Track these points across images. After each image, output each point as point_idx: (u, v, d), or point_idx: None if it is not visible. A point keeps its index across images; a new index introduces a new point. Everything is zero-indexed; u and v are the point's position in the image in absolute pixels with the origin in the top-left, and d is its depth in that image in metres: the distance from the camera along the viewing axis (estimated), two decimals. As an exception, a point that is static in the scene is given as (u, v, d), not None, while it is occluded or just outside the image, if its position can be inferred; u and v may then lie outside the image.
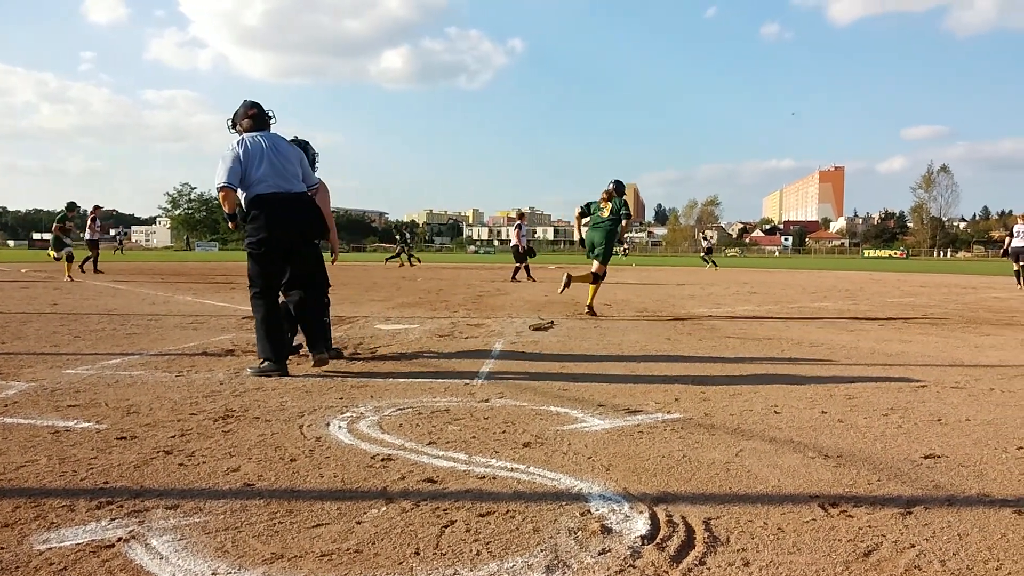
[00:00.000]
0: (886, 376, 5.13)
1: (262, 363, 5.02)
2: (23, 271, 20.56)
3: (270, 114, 5.46)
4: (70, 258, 16.59)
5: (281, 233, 5.14)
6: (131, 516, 2.37)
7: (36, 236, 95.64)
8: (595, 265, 9.65)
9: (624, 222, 9.63)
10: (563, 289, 9.82)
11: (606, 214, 9.60)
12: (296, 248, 5.23)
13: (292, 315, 5.72)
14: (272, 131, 5.40)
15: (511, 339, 7.00)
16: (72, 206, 17.11)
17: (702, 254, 34.04)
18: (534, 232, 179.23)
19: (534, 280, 18.14)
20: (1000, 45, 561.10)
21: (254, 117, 5.34)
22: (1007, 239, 17.57)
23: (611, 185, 9.67)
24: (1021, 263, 16.94)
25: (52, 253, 17.04)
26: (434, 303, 11.25)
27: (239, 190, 5.12)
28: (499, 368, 5.34)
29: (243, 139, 5.19)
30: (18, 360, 5.40)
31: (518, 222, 18.79)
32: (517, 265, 18.68)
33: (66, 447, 3.15)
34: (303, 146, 5.99)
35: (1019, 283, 17.15)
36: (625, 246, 52.67)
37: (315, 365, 5.15)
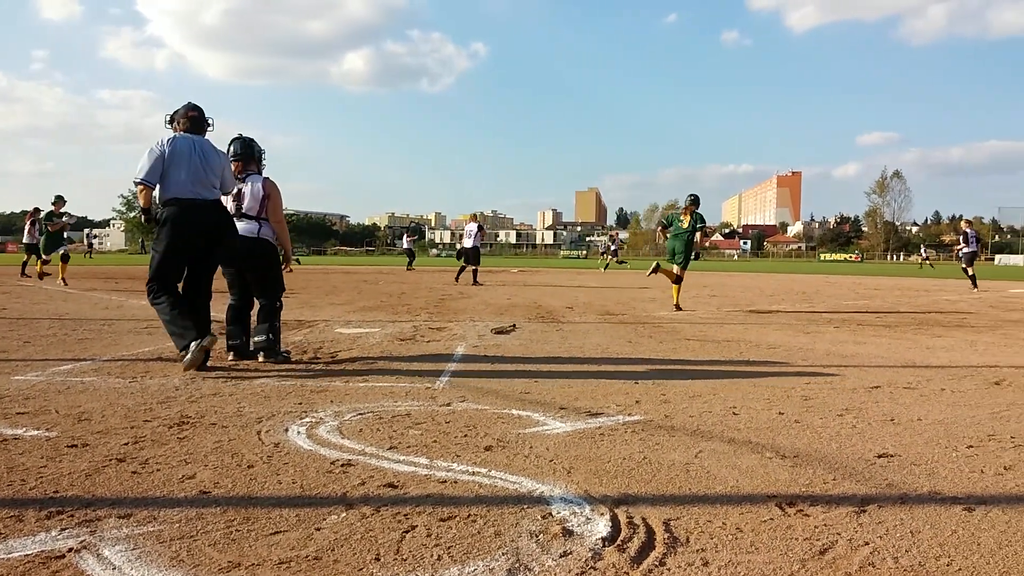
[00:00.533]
0: (841, 377, 5.23)
1: (183, 355, 5.05)
2: (-29, 275, 19.99)
3: (210, 121, 5.55)
4: (65, 258, 15.93)
5: (189, 238, 5.25)
6: (82, 526, 2.31)
7: None
8: (676, 268, 11.25)
9: (699, 233, 11.34)
10: (651, 273, 11.54)
11: (686, 225, 11.29)
12: (201, 255, 5.35)
13: (241, 319, 5.69)
14: (207, 137, 5.50)
15: (473, 343, 6.99)
16: (60, 199, 16.16)
17: (608, 257, 32.06)
18: (496, 236, 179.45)
19: (479, 284, 18.11)
20: (950, 54, 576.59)
21: (192, 120, 5.41)
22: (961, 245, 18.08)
23: (689, 199, 11.44)
24: (969, 268, 17.50)
25: (42, 257, 16.30)
26: (395, 307, 11.19)
27: (157, 187, 5.21)
28: (461, 372, 5.33)
29: (173, 138, 5.27)
30: (-36, 367, 5.24)
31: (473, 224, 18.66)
32: (469, 266, 18.53)
33: (14, 455, 3.06)
34: (248, 144, 5.97)
35: (975, 286, 17.64)
36: (618, 253, 53.09)
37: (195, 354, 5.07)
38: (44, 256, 16.13)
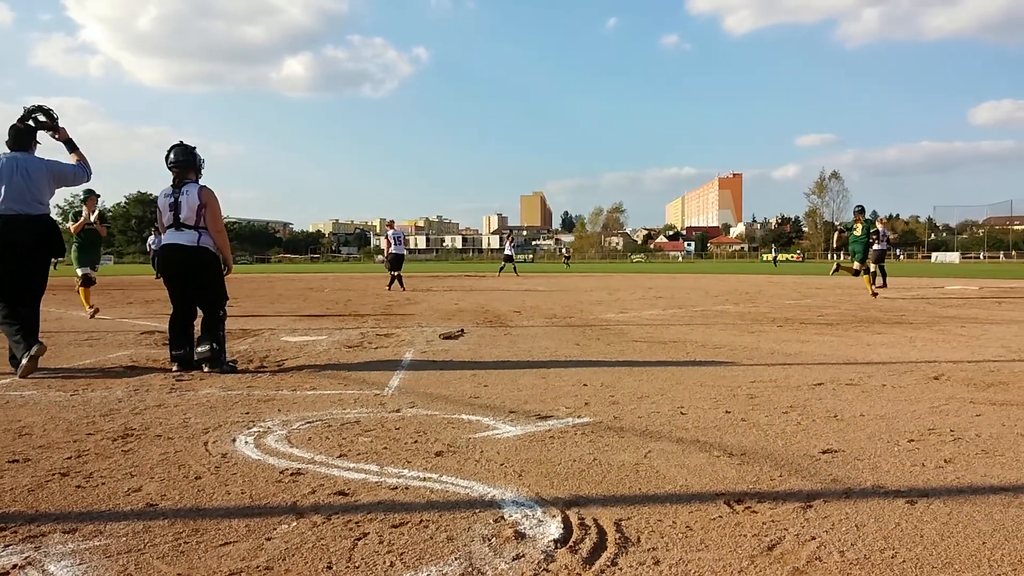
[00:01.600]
0: (785, 375, 5.35)
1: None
2: None
3: (38, 139, 5.79)
4: (89, 282, 10.87)
5: (8, 252, 5.43)
6: (26, 542, 2.25)
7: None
8: (856, 265, 14.82)
9: (873, 236, 14.99)
10: (833, 272, 15.81)
11: (859, 232, 14.80)
12: (20, 267, 5.51)
13: (184, 329, 5.61)
14: (37, 152, 5.75)
15: (421, 348, 6.97)
16: (91, 193, 10.89)
17: (502, 264, 31.68)
18: (442, 241, 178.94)
19: (403, 289, 18.20)
20: (884, 57, 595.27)
21: (13, 137, 5.63)
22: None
23: (857, 209, 15.28)
24: (878, 265, 18.31)
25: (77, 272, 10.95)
26: (342, 314, 11.09)
27: None
28: (410, 378, 5.31)
29: None
30: None
31: (391, 231, 18.70)
32: (395, 274, 18.52)
33: (-51, 474, 2.96)
34: (188, 151, 5.88)
35: (874, 283, 18.30)
36: (567, 256, 54.13)
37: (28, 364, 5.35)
38: (82, 272, 10.93)
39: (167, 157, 5.83)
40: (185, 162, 5.81)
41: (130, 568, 2.08)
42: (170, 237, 5.75)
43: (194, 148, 5.94)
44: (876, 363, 5.98)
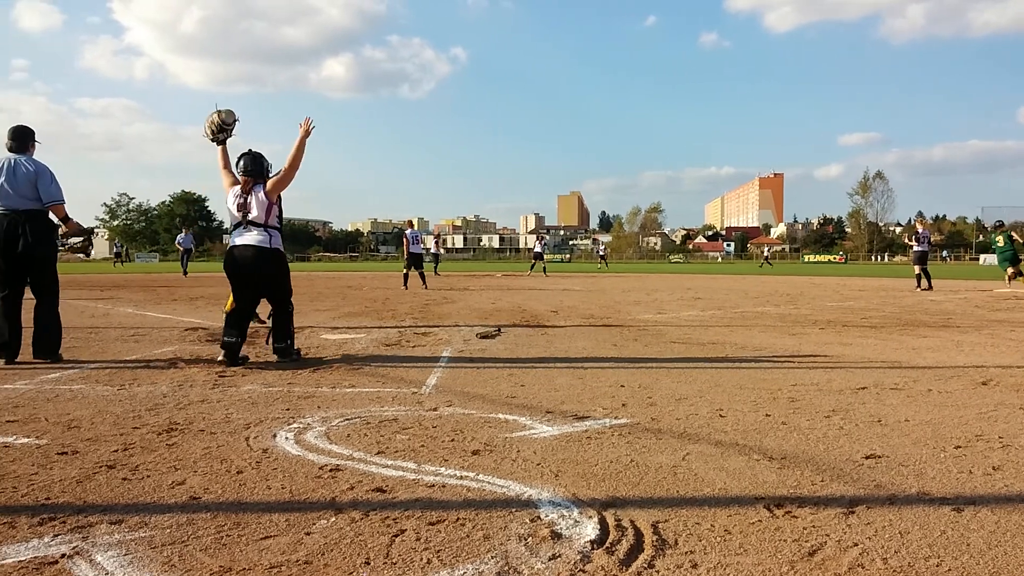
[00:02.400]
0: (827, 379, 5.27)
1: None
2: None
3: (37, 139, 6.17)
4: None
5: (2, 244, 5.77)
6: (75, 532, 2.31)
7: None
8: (1010, 271, 17.83)
9: (1013, 247, 17.72)
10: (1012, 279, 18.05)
11: (1001, 243, 17.84)
12: (19, 260, 5.82)
13: (240, 324, 5.74)
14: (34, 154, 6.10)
15: (459, 347, 7.00)
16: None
17: (533, 262, 31.87)
18: (479, 240, 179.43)
19: (425, 287, 18.31)
20: (930, 54, 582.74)
21: (14, 139, 6.02)
22: (912, 244, 18.68)
23: (997, 224, 18.37)
24: (922, 267, 18.02)
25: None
26: (381, 312, 11.18)
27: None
28: (447, 376, 5.34)
29: None
30: (-52, 375, 5.19)
31: (409, 231, 19.00)
32: (418, 271, 18.75)
33: (5, 463, 3.05)
34: (257, 159, 6.07)
35: (919, 286, 17.99)
36: (602, 255, 54.00)
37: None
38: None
39: (237, 163, 6.08)
40: (254, 170, 6.03)
41: (174, 559, 2.12)
42: (240, 237, 5.96)
43: (261, 155, 6.13)
44: (922, 367, 5.86)
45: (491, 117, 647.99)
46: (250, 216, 5.94)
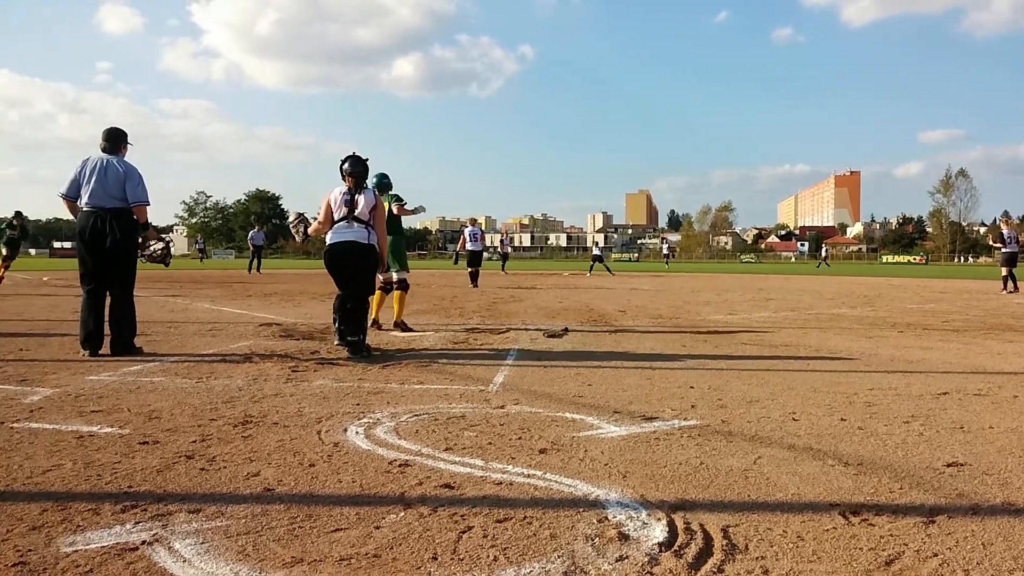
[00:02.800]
0: (906, 383, 5.09)
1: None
2: (45, 279, 20.79)
3: (130, 141, 6.46)
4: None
5: (89, 241, 6.02)
6: (154, 519, 2.40)
7: (56, 244, 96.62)
8: None
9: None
10: None
11: None
12: (104, 256, 6.06)
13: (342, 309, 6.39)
14: (126, 156, 6.35)
15: (526, 346, 7.01)
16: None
17: (592, 263, 31.64)
18: (546, 238, 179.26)
19: (474, 286, 18.18)
20: (1017, 47, 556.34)
21: (107, 140, 6.28)
22: (998, 245, 17.92)
23: None
24: (1009, 269, 17.24)
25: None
26: (448, 310, 11.28)
27: (78, 200, 6.10)
28: (514, 374, 5.35)
29: (89, 157, 6.20)
30: (42, 367, 5.46)
31: (471, 228, 19.17)
32: (475, 270, 18.83)
33: (90, 451, 3.19)
34: (363, 163, 6.63)
35: (1005, 288, 17.20)
36: (666, 254, 53.51)
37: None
38: None
39: (342, 166, 6.60)
40: (362, 172, 6.60)
41: (248, 549, 2.18)
42: (341, 233, 6.43)
43: (367, 160, 6.69)
44: (1007, 373, 5.61)
45: (558, 114, 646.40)
46: (356, 212, 6.43)
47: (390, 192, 8.24)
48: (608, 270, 31.39)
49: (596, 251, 32.74)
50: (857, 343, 7.43)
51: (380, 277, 7.95)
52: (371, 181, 7.50)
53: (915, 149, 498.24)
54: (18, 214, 16.67)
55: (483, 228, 19.26)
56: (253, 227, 33.36)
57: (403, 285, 8.47)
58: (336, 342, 6.55)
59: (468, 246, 19.07)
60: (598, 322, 9.50)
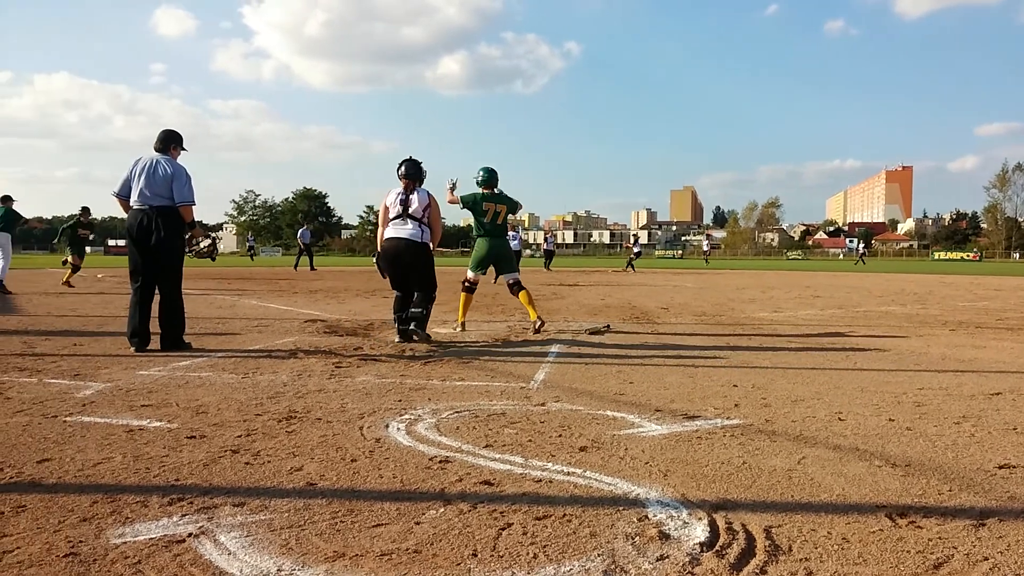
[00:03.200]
0: (958, 383, 4.97)
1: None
2: (99, 276, 21.36)
3: (184, 145, 6.68)
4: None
5: (137, 238, 6.27)
6: (201, 512, 2.45)
7: (111, 243, 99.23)
8: None
9: None
10: None
11: None
12: (151, 253, 6.27)
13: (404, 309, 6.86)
14: (172, 154, 6.51)
15: (567, 343, 7.00)
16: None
17: (630, 257, 31.20)
18: (589, 236, 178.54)
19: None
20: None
21: (160, 141, 6.51)
22: None
23: None
24: None
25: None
26: (490, 307, 11.30)
27: (129, 198, 6.33)
28: (555, 372, 5.34)
29: (141, 157, 6.41)
30: (95, 362, 5.61)
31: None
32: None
33: (140, 445, 3.27)
34: (416, 165, 7.04)
35: None
36: (706, 251, 53.07)
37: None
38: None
39: (399, 169, 7.05)
40: (415, 174, 7.04)
41: (291, 543, 2.21)
42: (396, 229, 6.87)
43: (419, 162, 7.12)
44: (1066, 373, 5.42)
45: (603, 111, 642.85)
46: (410, 210, 6.85)
47: (486, 191, 7.99)
48: (627, 265, 30.85)
49: (636, 248, 32.43)
50: (906, 341, 7.27)
51: (469, 275, 8.06)
52: (480, 176, 8.01)
53: (971, 143, 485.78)
54: (85, 210, 16.50)
55: (525, 226, 19.40)
56: (301, 225, 33.81)
57: (518, 285, 8.01)
58: (398, 340, 6.86)
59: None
60: (640, 319, 9.44)
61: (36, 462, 3.01)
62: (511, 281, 8.02)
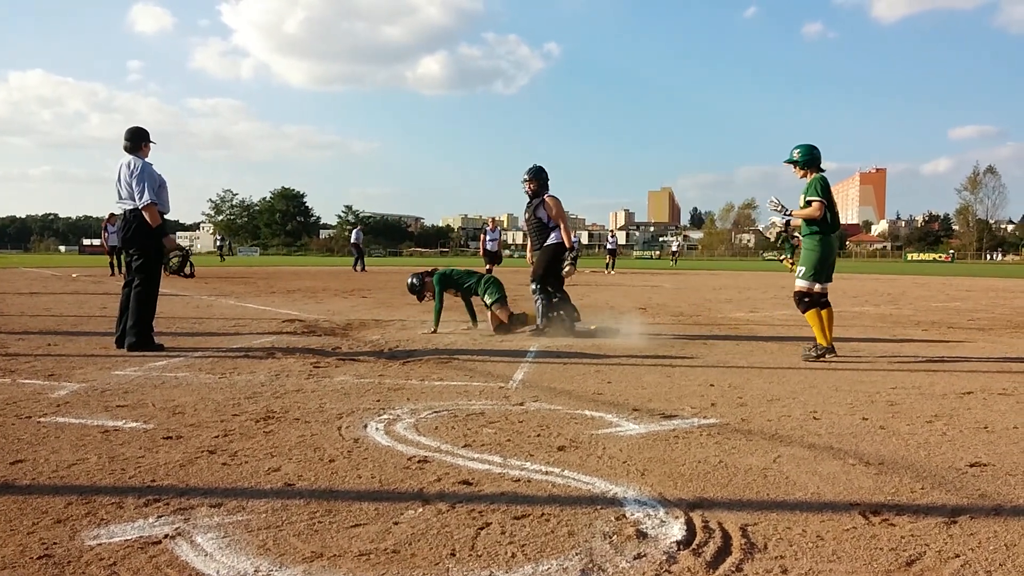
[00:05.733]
0: (930, 382, 5.04)
1: None
2: (74, 276, 21.08)
3: (152, 140, 6.60)
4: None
5: (119, 238, 6.52)
6: (177, 514, 2.43)
7: (86, 242, 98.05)
8: None
9: None
10: None
11: None
12: (125, 252, 6.50)
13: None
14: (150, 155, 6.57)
15: (546, 343, 7.01)
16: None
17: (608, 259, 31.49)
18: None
19: None
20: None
21: (127, 140, 6.50)
22: None
23: None
24: None
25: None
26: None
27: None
28: (534, 372, 5.36)
29: (122, 159, 6.43)
30: (69, 361, 5.55)
31: (486, 228, 19.44)
32: (494, 266, 18.97)
33: (115, 446, 3.24)
34: (541, 170, 7.98)
35: None
36: (674, 252, 53.26)
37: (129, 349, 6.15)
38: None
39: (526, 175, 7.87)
40: (538, 179, 7.90)
41: (269, 543, 2.20)
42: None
43: (542, 168, 7.98)
44: (1035, 372, 5.52)
45: (583, 111, 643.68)
46: (542, 217, 7.79)
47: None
48: (608, 267, 30.78)
49: (610, 245, 32.88)
50: (880, 341, 7.36)
51: (800, 284, 6.23)
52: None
53: (945, 146, 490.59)
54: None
55: (504, 226, 19.60)
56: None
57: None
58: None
59: (487, 246, 19.33)
60: (619, 320, 9.47)
61: (9, 463, 2.97)
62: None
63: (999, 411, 4.14)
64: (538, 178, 7.88)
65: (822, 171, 6.38)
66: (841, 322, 9.40)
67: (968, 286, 20.07)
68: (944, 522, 2.44)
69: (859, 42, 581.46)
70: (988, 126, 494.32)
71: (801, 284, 6.21)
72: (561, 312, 7.75)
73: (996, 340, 7.59)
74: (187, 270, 6.78)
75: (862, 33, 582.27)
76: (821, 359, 5.98)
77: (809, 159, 6.34)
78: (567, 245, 7.75)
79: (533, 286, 7.84)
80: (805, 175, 6.34)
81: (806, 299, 6.19)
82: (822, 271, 6.20)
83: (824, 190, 6.17)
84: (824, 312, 6.13)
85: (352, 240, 28.69)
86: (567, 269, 7.70)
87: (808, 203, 6.14)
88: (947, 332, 8.33)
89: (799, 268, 6.29)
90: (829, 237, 6.23)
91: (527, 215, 7.97)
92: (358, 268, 27.40)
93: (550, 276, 7.75)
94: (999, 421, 3.89)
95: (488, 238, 19.52)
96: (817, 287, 6.17)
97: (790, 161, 6.43)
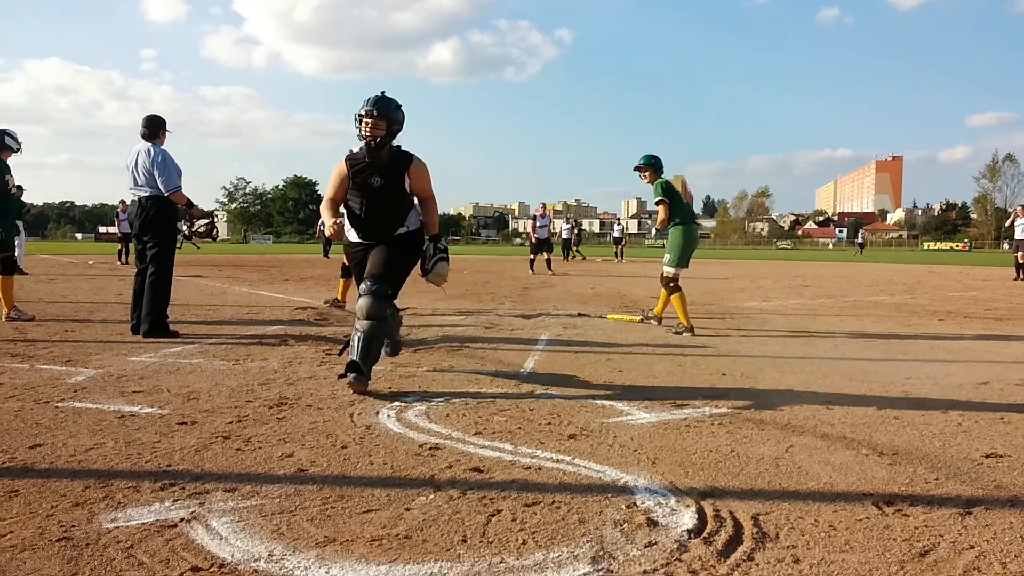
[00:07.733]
0: (946, 372, 5.01)
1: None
2: (91, 263, 21.24)
3: (168, 128, 6.67)
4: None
5: (132, 224, 6.54)
6: (192, 498, 2.46)
7: (102, 229, 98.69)
8: None
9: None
10: None
11: None
12: (140, 239, 6.49)
13: None
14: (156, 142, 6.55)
15: (557, 331, 7.01)
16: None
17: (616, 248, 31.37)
18: (580, 224, 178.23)
19: (552, 272, 17.94)
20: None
21: (145, 127, 6.54)
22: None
23: None
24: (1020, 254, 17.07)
25: None
26: (480, 295, 11.31)
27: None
28: (545, 360, 5.36)
29: (135, 146, 6.48)
30: (86, 348, 5.60)
31: (535, 214, 19.03)
32: (532, 256, 18.77)
33: (131, 431, 3.27)
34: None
35: (1018, 276, 16.87)
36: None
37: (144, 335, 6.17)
38: None
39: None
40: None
41: (282, 528, 2.22)
42: None
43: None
44: (1051, 363, 5.47)
45: (595, 99, 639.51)
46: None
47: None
48: (616, 256, 30.68)
49: (616, 233, 32.98)
50: (895, 331, 7.31)
51: (667, 271, 7.24)
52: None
53: (963, 133, 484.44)
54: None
55: (515, 215, 19.16)
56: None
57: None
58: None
59: (537, 234, 18.71)
60: (630, 308, 9.46)
61: (28, 447, 3.01)
62: None
63: (1016, 402, 4.11)
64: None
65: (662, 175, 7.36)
66: (854, 311, 9.35)
67: (986, 275, 19.89)
68: (959, 513, 2.43)
69: (876, 28, 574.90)
70: (1007, 112, 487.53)
71: (668, 271, 7.17)
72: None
73: (1014, 330, 7.52)
74: (214, 233, 7.26)
75: (879, 18, 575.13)
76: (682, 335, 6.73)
77: (654, 166, 7.37)
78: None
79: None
80: (651, 181, 7.35)
81: (671, 284, 7.13)
82: (684, 258, 7.18)
83: (666, 191, 7.15)
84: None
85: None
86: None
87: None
88: (963, 322, 8.27)
89: (665, 256, 7.26)
90: (690, 226, 7.25)
91: None
92: None
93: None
94: (1016, 412, 3.86)
95: (538, 224, 18.58)
96: (679, 271, 7.17)
97: (637, 168, 7.45)
